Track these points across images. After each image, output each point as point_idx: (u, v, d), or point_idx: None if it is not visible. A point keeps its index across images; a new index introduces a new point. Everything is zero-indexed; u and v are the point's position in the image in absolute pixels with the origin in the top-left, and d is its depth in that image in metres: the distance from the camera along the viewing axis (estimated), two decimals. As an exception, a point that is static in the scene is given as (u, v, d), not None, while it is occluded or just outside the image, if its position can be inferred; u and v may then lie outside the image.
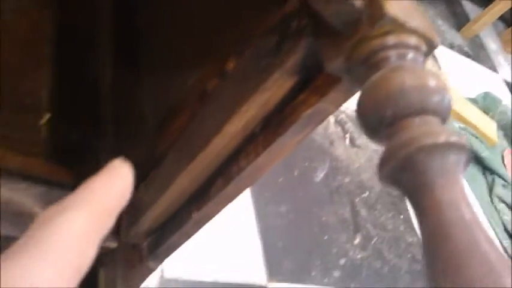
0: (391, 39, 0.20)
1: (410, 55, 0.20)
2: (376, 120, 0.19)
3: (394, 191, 1.12)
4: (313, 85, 0.27)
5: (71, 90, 0.61)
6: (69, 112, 0.60)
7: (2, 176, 0.52)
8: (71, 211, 0.17)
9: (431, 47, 0.21)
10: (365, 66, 0.21)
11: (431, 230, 0.16)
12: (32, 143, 0.56)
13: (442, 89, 0.19)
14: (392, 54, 0.20)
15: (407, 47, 0.20)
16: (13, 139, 0.55)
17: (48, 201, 0.51)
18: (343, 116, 1.21)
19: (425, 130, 0.17)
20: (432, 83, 0.19)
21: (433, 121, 0.18)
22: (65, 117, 0.59)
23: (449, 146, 0.17)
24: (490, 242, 0.15)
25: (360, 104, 0.20)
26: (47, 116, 0.59)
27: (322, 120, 0.29)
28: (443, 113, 0.19)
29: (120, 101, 0.61)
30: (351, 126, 1.21)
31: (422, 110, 0.18)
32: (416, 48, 0.20)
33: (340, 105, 0.27)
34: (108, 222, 0.18)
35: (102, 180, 0.18)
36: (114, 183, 0.18)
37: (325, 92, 0.26)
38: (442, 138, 0.17)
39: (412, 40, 0.20)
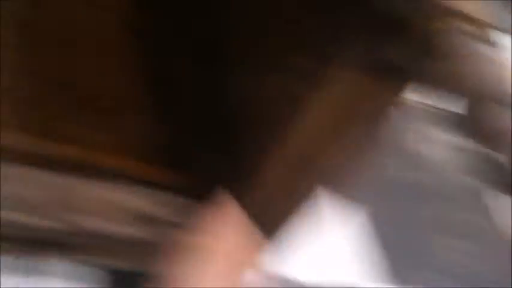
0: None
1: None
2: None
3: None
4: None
5: (153, 92, 0.61)
6: (153, 114, 0.61)
7: (99, 177, 0.54)
8: None
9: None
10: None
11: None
12: (121, 144, 0.58)
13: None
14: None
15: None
16: (100, 141, 0.56)
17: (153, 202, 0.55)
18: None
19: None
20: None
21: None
22: (148, 118, 0.60)
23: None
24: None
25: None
26: (131, 118, 0.59)
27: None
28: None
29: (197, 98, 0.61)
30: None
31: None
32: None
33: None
34: None
35: None
36: None
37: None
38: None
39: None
